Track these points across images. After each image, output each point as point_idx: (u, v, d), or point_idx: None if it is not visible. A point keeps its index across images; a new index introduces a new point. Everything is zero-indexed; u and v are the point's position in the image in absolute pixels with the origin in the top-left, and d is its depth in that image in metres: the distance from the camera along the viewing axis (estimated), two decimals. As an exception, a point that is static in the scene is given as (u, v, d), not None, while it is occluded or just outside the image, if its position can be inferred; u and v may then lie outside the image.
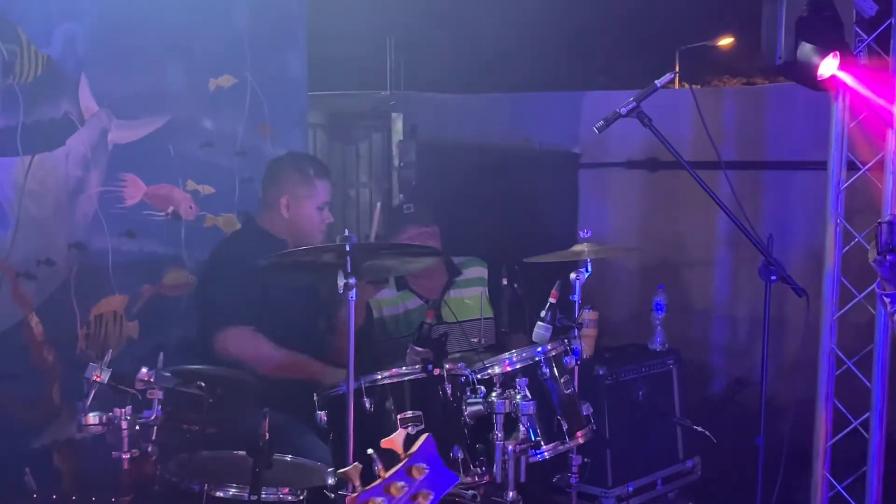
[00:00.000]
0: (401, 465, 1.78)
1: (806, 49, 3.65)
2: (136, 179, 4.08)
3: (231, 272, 3.75)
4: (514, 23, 7.94)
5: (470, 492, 3.27)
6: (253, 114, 4.52)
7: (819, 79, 3.79)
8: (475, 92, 6.71)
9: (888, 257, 2.74)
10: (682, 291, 5.97)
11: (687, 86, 7.48)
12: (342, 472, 1.76)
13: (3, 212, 3.62)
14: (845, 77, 3.82)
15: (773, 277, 3.66)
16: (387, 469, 1.77)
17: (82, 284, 3.89)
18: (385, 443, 1.78)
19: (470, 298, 4.34)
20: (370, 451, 1.76)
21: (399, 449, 1.80)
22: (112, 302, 4.00)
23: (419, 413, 3.14)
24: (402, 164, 5.67)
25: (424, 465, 1.80)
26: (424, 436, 1.83)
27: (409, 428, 3.10)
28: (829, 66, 3.76)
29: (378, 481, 1.76)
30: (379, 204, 3.88)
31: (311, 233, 3.92)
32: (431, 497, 1.82)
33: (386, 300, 4.33)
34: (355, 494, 1.74)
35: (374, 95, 6.36)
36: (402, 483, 1.77)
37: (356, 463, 1.77)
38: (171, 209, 4.21)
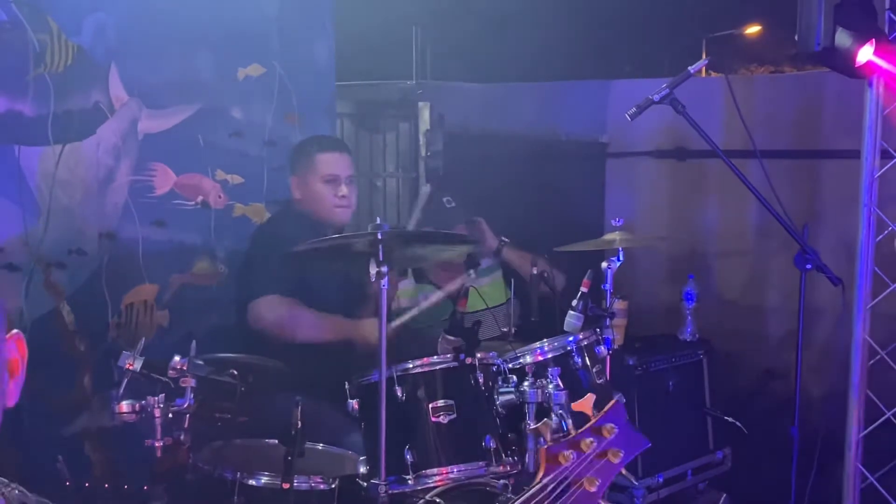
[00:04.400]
0: (589, 424, 1.94)
1: (843, 35, 3.61)
2: (166, 169, 4.09)
3: (273, 252, 3.74)
4: (540, 11, 7.91)
5: (501, 481, 3.26)
6: (281, 103, 4.52)
7: (856, 65, 3.74)
8: (502, 81, 6.68)
9: None
10: (711, 281, 5.93)
11: (714, 74, 7.42)
12: (533, 428, 2.11)
13: (35, 201, 3.64)
14: (883, 64, 3.77)
15: (809, 266, 3.63)
16: (578, 427, 1.94)
17: (113, 274, 3.91)
18: (576, 405, 1.97)
19: (489, 286, 4.32)
20: (560, 412, 2.04)
21: (589, 410, 1.96)
22: (143, 291, 4.02)
23: (451, 402, 3.13)
24: (429, 154, 5.65)
25: (613, 426, 1.96)
26: (615, 399, 2.01)
27: (442, 417, 3.10)
28: (866, 53, 3.72)
29: (568, 437, 1.92)
30: (429, 186, 3.77)
31: (326, 208, 3.91)
32: (621, 455, 1.97)
33: (404, 291, 4.31)
34: (545, 447, 1.90)
35: (401, 85, 6.34)
36: (591, 440, 1.92)
37: (546, 419, 1.99)
38: (200, 199, 4.22)
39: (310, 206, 3.94)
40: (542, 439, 1.95)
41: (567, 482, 1.90)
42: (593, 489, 1.92)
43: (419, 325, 4.20)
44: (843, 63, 3.69)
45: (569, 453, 1.89)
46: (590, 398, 1.97)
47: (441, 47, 7.12)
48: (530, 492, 1.90)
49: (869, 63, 3.74)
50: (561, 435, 1.92)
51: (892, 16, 3.96)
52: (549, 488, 1.89)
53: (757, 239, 5.88)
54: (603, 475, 1.94)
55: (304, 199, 3.96)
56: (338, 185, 3.92)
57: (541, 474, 1.90)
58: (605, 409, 1.96)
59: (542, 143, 6.25)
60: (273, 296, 3.71)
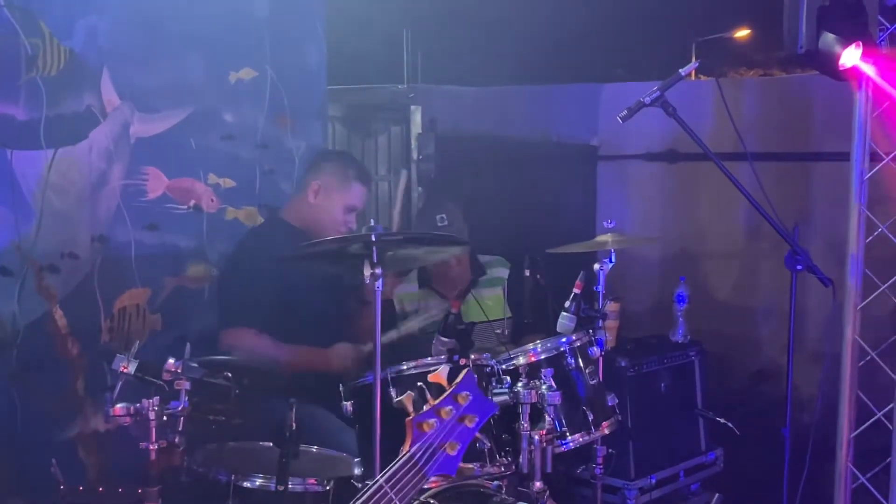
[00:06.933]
0: (447, 393, 2.12)
1: (828, 38, 3.62)
2: (158, 173, 4.09)
3: (252, 267, 3.75)
4: (531, 15, 7.92)
5: (496, 482, 3.27)
6: (273, 106, 4.52)
7: (840, 69, 3.76)
8: (493, 84, 6.69)
9: None
10: (703, 283, 5.96)
11: (704, 77, 7.44)
12: (397, 401, 2.13)
13: (27, 205, 3.64)
14: (867, 68, 3.78)
15: (799, 267, 3.65)
16: (435, 397, 2.11)
17: (105, 277, 3.90)
18: (432, 377, 2.12)
19: (489, 299, 4.30)
20: (419, 383, 2.15)
21: (444, 381, 2.13)
22: (135, 294, 4.02)
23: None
24: (420, 157, 5.65)
25: (468, 394, 2.13)
26: (466, 370, 2.19)
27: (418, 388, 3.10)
28: (851, 57, 3.73)
29: (429, 406, 2.09)
30: (405, 173, 3.75)
31: (332, 228, 3.89)
32: (476, 419, 2.14)
33: (407, 295, 4.31)
34: (411, 418, 2.06)
35: (393, 88, 6.35)
36: (449, 408, 2.11)
37: (409, 392, 2.12)
38: (192, 202, 4.22)
39: (317, 217, 3.91)
40: (406, 411, 2.12)
41: (433, 448, 2.08)
42: (454, 453, 2.09)
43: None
44: (828, 66, 3.71)
45: (433, 421, 2.08)
46: (444, 369, 2.14)
47: (432, 51, 7.12)
48: (399, 462, 2.07)
49: (855, 68, 3.75)
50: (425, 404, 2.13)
51: (881, 19, 3.98)
52: (417, 456, 2.08)
53: (748, 240, 5.91)
54: (462, 439, 2.12)
55: (317, 206, 3.92)
56: (352, 215, 3.95)
57: (408, 444, 2.07)
58: (459, 377, 2.15)
59: (534, 146, 6.28)
60: (247, 330, 3.69)
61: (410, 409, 2.08)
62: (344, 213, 3.93)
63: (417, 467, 2.06)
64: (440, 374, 2.13)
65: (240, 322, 3.71)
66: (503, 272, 4.40)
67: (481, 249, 4.44)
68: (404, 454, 2.07)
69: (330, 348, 3.72)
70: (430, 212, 4.24)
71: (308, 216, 3.92)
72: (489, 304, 4.19)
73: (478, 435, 2.66)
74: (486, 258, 4.40)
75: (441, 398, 2.11)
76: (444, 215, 4.15)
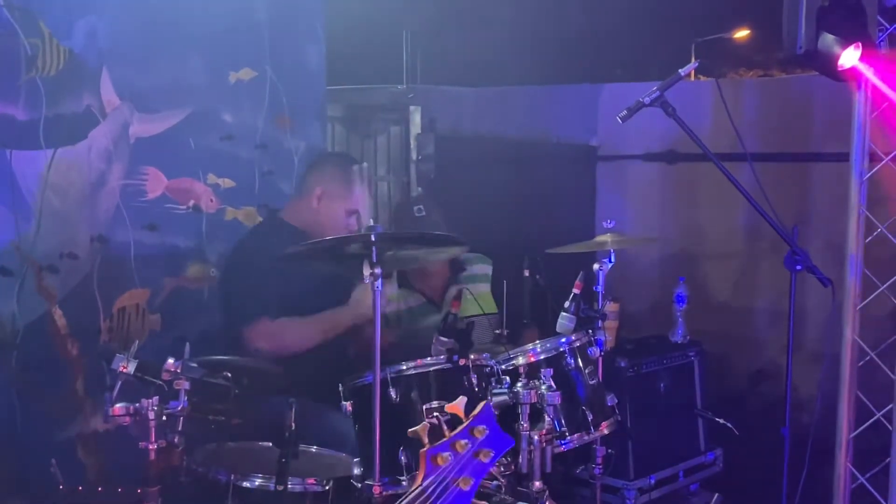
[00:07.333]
0: (464, 425, 2.02)
1: (827, 39, 3.62)
2: (158, 173, 4.10)
3: (253, 266, 3.75)
4: (530, 15, 7.93)
5: (495, 482, 3.26)
6: (272, 107, 4.53)
7: (840, 69, 3.76)
8: (492, 85, 6.70)
9: None
10: (702, 283, 5.96)
11: (704, 78, 7.45)
12: (412, 431, 2.01)
13: (27, 205, 3.64)
14: (865, 69, 3.78)
15: (799, 267, 3.65)
16: (451, 430, 2.01)
17: (105, 277, 3.90)
18: (449, 408, 2.02)
19: (476, 295, 4.30)
20: (436, 414, 2.01)
21: (461, 413, 2.03)
22: (135, 295, 4.02)
23: (444, 403, 3.13)
24: (420, 157, 5.66)
25: (485, 427, 2.04)
26: (484, 402, 2.09)
27: (434, 419, 3.11)
28: (850, 57, 3.73)
29: (444, 439, 1.99)
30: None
31: (335, 232, 3.88)
32: (492, 455, 2.04)
33: (388, 296, 4.30)
34: (425, 449, 1.98)
35: (392, 89, 6.36)
36: (465, 441, 2.01)
37: (425, 422, 2.00)
38: (192, 202, 4.22)
39: (320, 221, 3.89)
40: (420, 441, 2.02)
41: (445, 483, 1.98)
42: (468, 488, 2.00)
43: (404, 328, 4.20)
44: (827, 67, 3.71)
45: (447, 455, 1.98)
46: (461, 400, 2.03)
47: (432, 51, 7.13)
48: (412, 495, 1.97)
49: (854, 68, 3.75)
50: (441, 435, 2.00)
51: (880, 19, 3.98)
52: (429, 490, 1.98)
53: (747, 241, 5.92)
54: (476, 474, 2.02)
55: (320, 211, 3.91)
56: (354, 217, 3.95)
57: (421, 477, 1.97)
58: (476, 410, 2.04)
59: (534, 146, 6.29)
60: (263, 320, 3.68)
61: (426, 439, 1.99)
62: (346, 216, 3.93)
63: (430, 502, 1.99)
64: (458, 406, 2.04)
65: (254, 315, 3.70)
66: (486, 269, 4.43)
67: (481, 249, 4.45)
68: (416, 488, 1.98)
69: (347, 303, 3.72)
70: (407, 205, 4.30)
71: (311, 220, 3.92)
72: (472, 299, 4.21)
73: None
74: (465, 255, 4.40)
75: (457, 430, 2.02)
76: (420, 206, 4.21)
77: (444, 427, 2.01)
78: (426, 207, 4.23)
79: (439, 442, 1.98)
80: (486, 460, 2.03)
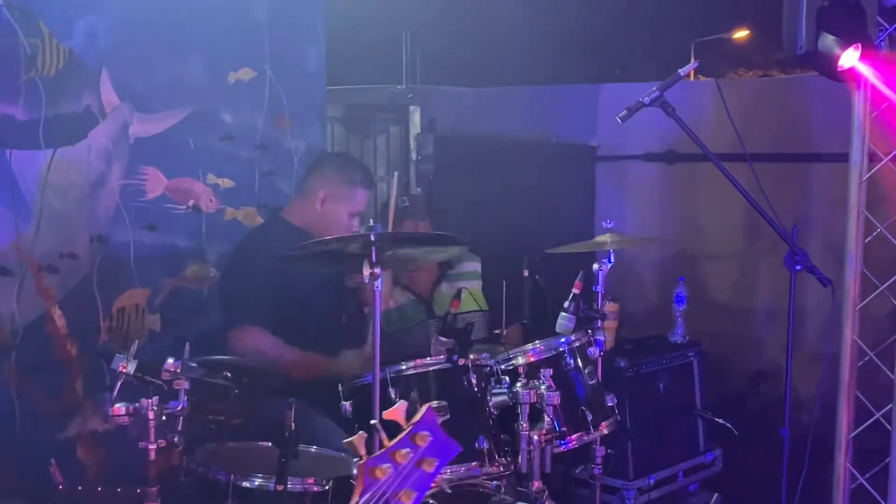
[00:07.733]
0: (404, 433, 1.81)
1: (827, 40, 3.63)
2: (157, 173, 4.09)
3: (253, 266, 3.75)
4: (530, 15, 7.94)
5: (494, 482, 3.27)
6: (272, 107, 4.53)
7: (839, 70, 3.76)
8: (492, 85, 6.70)
9: None
10: (702, 283, 5.96)
11: (704, 78, 7.45)
12: (347, 442, 1.79)
13: (26, 205, 3.64)
14: (864, 70, 3.79)
15: (798, 267, 3.65)
16: (391, 438, 1.80)
17: (104, 277, 3.90)
18: (387, 414, 1.81)
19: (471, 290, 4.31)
20: (373, 421, 1.80)
21: (401, 419, 1.82)
22: (134, 295, 4.02)
23: (444, 403, 3.13)
24: (419, 158, 5.66)
25: (427, 434, 1.83)
26: (425, 406, 1.86)
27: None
28: (849, 58, 3.74)
29: (383, 449, 1.79)
30: (396, 174, 3.77)
31: (336, 234, 3.88)
32: (436, 463, 1.84)
33: None
34: (362, 462, 1.77)
35: (392, 89, 6.36)
36: (406, 450, 1.80)
37: (361, 432, 1.79)
38: (191, 202, 4.22)
39: (323, 223, 3.87)
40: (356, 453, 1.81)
41: (385, 498, 1.80)
42: (409, 502, 1.82)
43: (391, 331, 4.19)
44: (827, 67, 3.72)
45: (386, 466, 1.79)
46: (402, 406, 1.84)
47: (431, 51, 7.13)
48: None
49: (853, 69, 3.76)
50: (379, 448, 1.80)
51: (880, 19, 3.98)
52: None
53: (746, 241, 5.91)
54: (419, 486, 1.84)
55: (323, 214, 3.90)
56: (356, 219, 3.95)
57: (358, 493, 1.79)
58: (417, 416, 1.85)
59: (533, 146, 6.29)
60: (253, 328, 3.68)
61: (362, 451, 1.78)
62: (349, 218, 3.93)
63: None
64: (397, 412, 1.83)
65: (245, 321, 3.70)
66: (475, 266, 4.43)
67: (481, 249, 4.45)
68: (353, 503, 1.79)
69: (337, 357, 3.72)
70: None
71: (313, 221, 3.91)
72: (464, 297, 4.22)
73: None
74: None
75: (396, 439, 1.81)
76: (405, 197, 4.26)
77: (384, 436, 1.82)
78: (410, 199, 4.28)
79: (377, 453, 1.79)
80: (430, 470, 1.84)
